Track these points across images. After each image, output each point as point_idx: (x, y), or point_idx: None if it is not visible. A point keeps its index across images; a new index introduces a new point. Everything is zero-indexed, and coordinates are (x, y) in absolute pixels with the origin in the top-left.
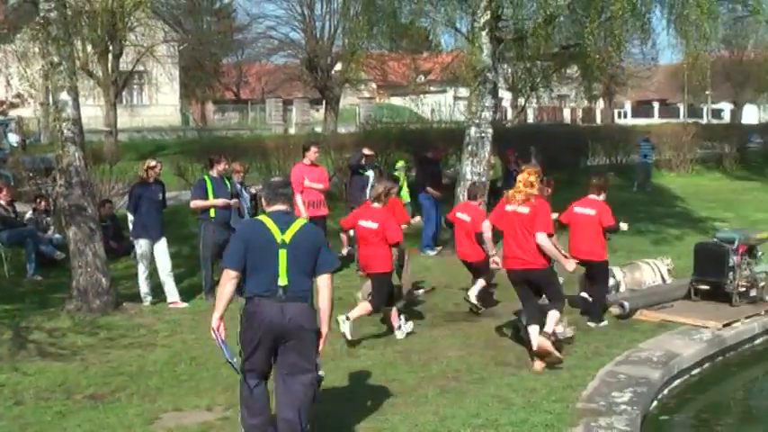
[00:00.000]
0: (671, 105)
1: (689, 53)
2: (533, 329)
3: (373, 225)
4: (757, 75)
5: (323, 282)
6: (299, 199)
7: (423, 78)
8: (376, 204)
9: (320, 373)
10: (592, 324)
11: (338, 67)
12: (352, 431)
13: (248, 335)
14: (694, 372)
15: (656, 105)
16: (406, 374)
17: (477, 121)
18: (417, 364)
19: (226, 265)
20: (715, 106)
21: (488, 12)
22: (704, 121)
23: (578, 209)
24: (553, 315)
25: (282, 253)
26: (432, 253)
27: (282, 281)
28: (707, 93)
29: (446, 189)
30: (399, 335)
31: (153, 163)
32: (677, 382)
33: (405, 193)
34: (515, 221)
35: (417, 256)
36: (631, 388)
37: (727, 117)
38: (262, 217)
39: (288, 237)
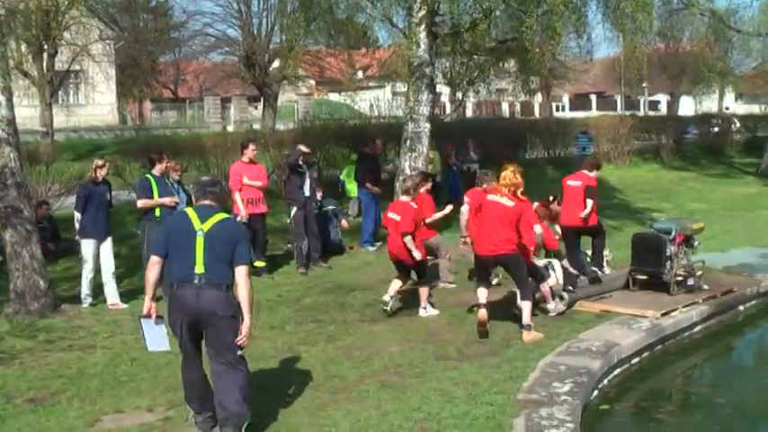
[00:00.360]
0: (608, 98)
1: (625, 46)
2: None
3: (396, 217)
4: (693, 67)
5: (239, 273)
6: (237, 197)
7: (361, 74)
8: (404, 197)
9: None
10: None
11: (276, 63)
12: (293, 428)
13: (172, 318)
14: (634, 361)
15: (593, 98)
16: (348, 370)
17: (415, 116)
18: (359, 359)
19: (151, 252)
20: (652, 98)
21: (425, 7)
22: (641, 113)
23: (570, 182)
24: (527, 306)
25: (200, 241)
26: (371, 249)
27: (199, 268)
28: (644, 85)
29: (385, 184)
30: (422, 313)
31: (101, 162)
32: (617, 371)
33: (353, 187)
34: (495, 211)
35: (357, 252)
36: (572, 378)
37: (663, 109)
38: (187, 209)
39: (206, 226)
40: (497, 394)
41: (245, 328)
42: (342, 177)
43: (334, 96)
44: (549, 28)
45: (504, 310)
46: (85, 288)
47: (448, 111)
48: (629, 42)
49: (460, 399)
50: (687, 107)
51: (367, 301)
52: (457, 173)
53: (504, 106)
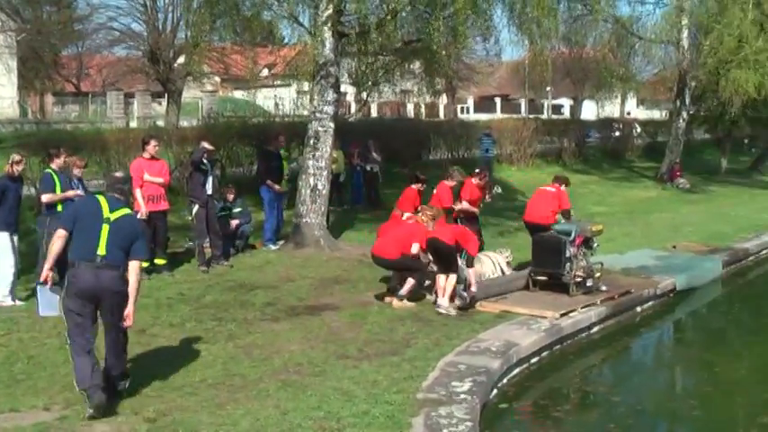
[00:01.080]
0: (512, 101)
1: (531, 50)
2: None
3: None
4: (596, 72)
5: (132, 267)
6: (138, 193)
7: (267, 72)
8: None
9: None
10: None
11: (181, 59)
12: (192, 427)
13: (70, 292)
14: (533, 360)
15: (497, 101)
16: (248, 369)
17: (319, 115)
18: (259, 358)
19: (58, 225)
20: (555, 102)
21: (331, 6)
22: (545, 116)
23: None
24: (410, 283)
25: (105, 228)
26: (273, 247)
27: (101, 251)
28: (547, 89)
29: (287, 183)
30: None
31: (18, 158)
32: (516, 370)
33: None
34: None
35: (260, 250)
36: (471, 377)
37: (566, 113)
38: (99, 196)
39: (114, 216)
40: (397, 393)
41: (129, 313)
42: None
43: (239, 94)
44: (454, 30)
45: (403, 311)
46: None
47: (353, 110)
48: (534, 47)
49: (360, 398)
50: (589, 111)
51: (268, 300)
52: (360, 173)
53: (409, 107)
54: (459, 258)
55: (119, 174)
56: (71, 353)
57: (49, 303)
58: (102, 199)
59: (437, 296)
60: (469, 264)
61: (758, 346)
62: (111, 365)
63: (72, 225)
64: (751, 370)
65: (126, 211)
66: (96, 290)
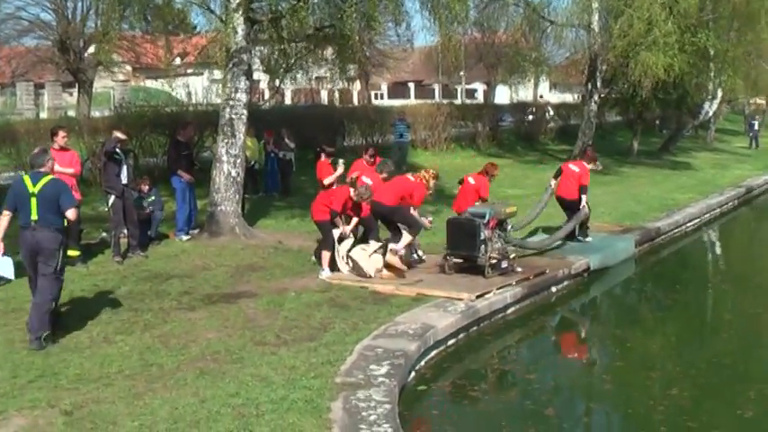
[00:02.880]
0: (426, 86)
1: (442, 35)
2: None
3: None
4: (508, 56)
5: (68, 215)
6: None
7: (178, 61)
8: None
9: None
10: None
11: (91, 49)
12: (110, 418)
13: (21, 250)
14: (450, 342)
15: (411, 86)
16: (165, 358)
17: (232, 103)
18: (176, 347)
19: (3, 207)
20: (469, 87)
21: None
22: (458, 101)
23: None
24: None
25: (33, 200)
26: (185, 237)
27: (34, 216)
28: (460, 74)
29: (200, 172)
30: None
31: None
32: (433, 352)
33: None
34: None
35: (173, 240)
36: (389, 360)
37: (480, 97)
38: (24, 176)
39: (36, 188)
40: (315, 378)
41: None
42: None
43: (151, 83)
44: (366, 16)
45: (320, 297)
46: None
47: (266, 98)
48: (446, 32)
49: (278, 384)
50: (503, 96)
51: (184, 289)
52: (275, 160)
53: (323, 94)
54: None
55: (35, 151)
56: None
57: (3, 268)
58: (26, 178)
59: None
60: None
61: (669, 322)
62: (38, 302)
63: (13, 205)
64: (662, 345)
65: (47, 178)
66: (33, 245)
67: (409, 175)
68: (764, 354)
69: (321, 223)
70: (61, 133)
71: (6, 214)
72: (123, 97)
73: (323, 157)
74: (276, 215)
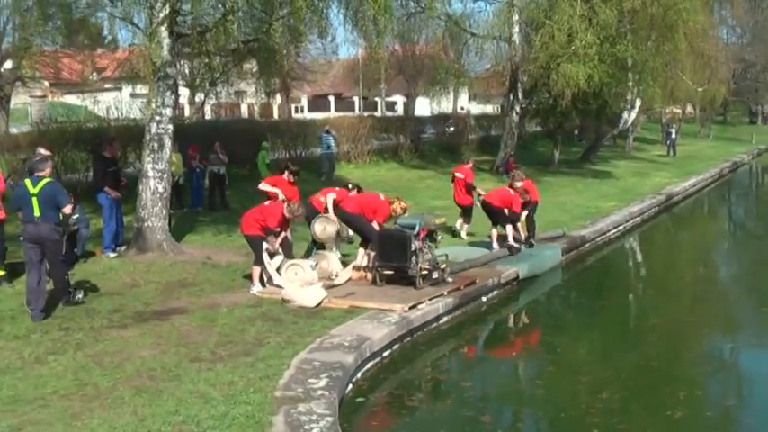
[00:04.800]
0: (346, 99)
1: (368, 48)
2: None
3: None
4: (429, 68)
5: (66, 210)
6: None
7: (95, 76)
8: None
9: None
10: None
11: (8, 64)
12: None
13: (24, 243)
14: (385, 353)
15: (332, 99)
16: (100, 377)
17: (158, 118)
18: (110, 366)
19: (12, 208)
20: (389, 99)
21: (167, 6)
22: (379, 113)
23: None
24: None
25: (34, 199)
26: (112, 254)
27: (36, 213)
28: (381, 86)
29: (126, 188)
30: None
31: None
32: (370, 364)
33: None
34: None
35: (100, 258)
36: (327, 373)
37: (400, 109)
38: (26, 180)
39: (36, 189)
40: (254, 393)
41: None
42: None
43: (70, 98)
44: (291, 29)
45: (252, 311)
46: None
47: (187, 113)
48: (371, 45)
49: (218, 400)
50: (423, 108)
51: (114, 307)
52: (200, 174)
53: (244, 108)
54: None
55: (36, 157)
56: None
57: None
58: (27, 181)
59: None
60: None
61: (597, 328)
62: (57, 282)
63: (17, 205)
64: (591, 350)
65: (45, 181)
66: (36, 237)
67: (381, 195)
68: (690, 356)
69: (252, 238)
70: None
71: (17, 212)
72: (42, 113)
73: (286, 174)
74: (202, 230)
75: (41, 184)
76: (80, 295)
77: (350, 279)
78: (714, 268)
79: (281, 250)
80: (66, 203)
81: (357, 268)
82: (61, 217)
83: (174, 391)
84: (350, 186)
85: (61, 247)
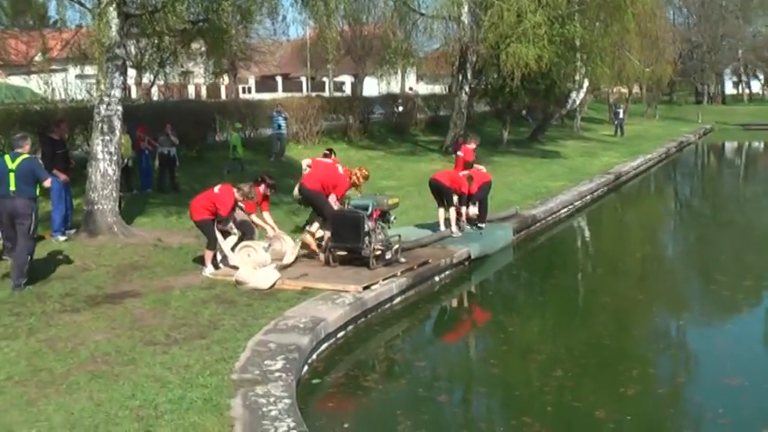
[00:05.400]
0: (294, 79)
1: (319, 28)
2: None
3: None
4: (377, 48)
5: (44, 183)
6: None
7: (40, 56)
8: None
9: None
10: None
11: None
12: (6, 427)
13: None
14: (340, 335)
15: (279, 80)
16: (54, 362)
17: (107, 99)
18: (64, 351)
19: None
20: (337, 79)
21: None
22: (327, 93)
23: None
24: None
25: (12, 174)
26: (62, 238)
27: (12, 187)
28: (330, 66)
29: (75, 170)
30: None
31: None
32: (324, 345)
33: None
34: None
35: (49, 241)
36: (283, 355)
37: (348, 90)
38: (5, 155)
39: (14, 165)
40: (211, 376)
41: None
42: (233, 143)
43: (15, 80)
44: (241, 9)
45: (206, 294)
46: None
47: (134, 94)
48: (321, 25)
49: (174, 383)
50: (372, 88)
51: (66, 291)
52: (149, 156)
53: (191, 89)
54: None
55: (17, 135)
56: None
57: None
58: (6, 156)
59: None
60: None
61: (549, 307)
62: (18, 258)
63: None
64: (543, 329)
65: (23, 157)
66: (11, 210)
67: (339, 167)
68: (641, 334)
69: (201, 222)
70: None
71: None
72: None
73: (263, 187)
74: (153, 213)
75: (19, 159)
76: (26, 283)
77: (298, 255)
78: (662, 247)
79: (235, 230)
80: (46, 177)
81: (304, 245)
82: (38, 192)
83: (129, 376)
84: (325, 152)
85: (31, 222)
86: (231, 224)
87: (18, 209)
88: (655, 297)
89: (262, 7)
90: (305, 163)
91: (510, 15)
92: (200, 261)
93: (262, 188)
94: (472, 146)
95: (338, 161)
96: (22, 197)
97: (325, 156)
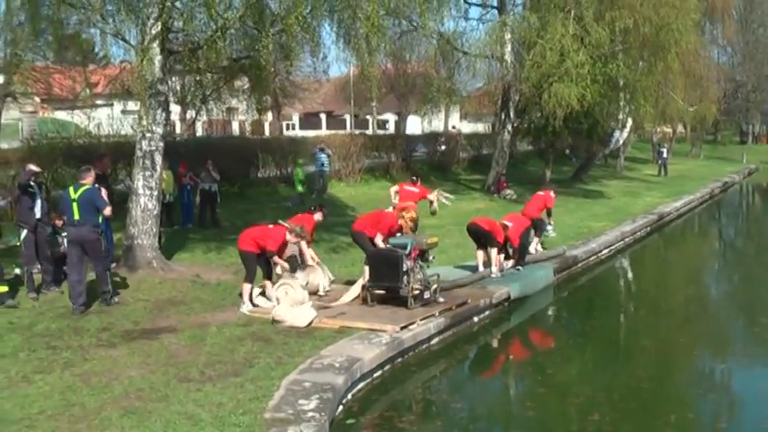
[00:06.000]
0: (338, 117)
1: (361, 67)
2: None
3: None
4: (420, 87)
5: (106, 212)
6: None
7: (87, 92)
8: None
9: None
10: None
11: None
12: None
13: (67, 242)
14: (376, 374)
15: (323, 117)
16: (88, 397)
17: (149, 135)
18: (98, 386)
19: (59, 211)
20: (380, 117)
21: (159, 23)
22: (370, 131)
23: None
24: None
25: (75, 204)
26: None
27: (76, 216)
28: (373, 104)
29: (116, 205)
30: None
31: None
32: (360, 385)
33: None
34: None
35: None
36: (317, 394)
37: (391, 127)
38: (70, 187)
39: (77, 195)
40: (244, 415)
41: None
42: (298, 177)
43: (61, 114)
44: (283, 47)
45: (242, 331)
46: None
47: (178, 130)
48: (363, 63)
49: (206, 421)
50: (414, 126)
51: (103, 325)
52: (191, 192)
53: (235, 125)
54: None
55: (82, 167)
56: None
57: None
58: (70, 188)
59: None
60: None
61: (588, 349)
62: (100, 281)
63: (63, 209)
64: (582, 371)
65: (85, 187)
66: (78, 238)
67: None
68: (681, 378)
69: (246, 253)
70: None
71: (61, 216)
72: (33, 129)
73: (318, 215)
74: (192, 248)
75: (81, 189)
76: (117, 298)
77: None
78: (705, 288)
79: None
80: (105, 206)
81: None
82: (100, 220)
83: (162, 413)
84: (413, 179)
85: (100, 245)
86: (281, 262)
87: (84, 235)
88: (697, 339)
89: (304, 45)
90: (392, 190)
91: (553, 55)
92: (240, 296)
93: (317, 216)
94: (552, 194)
95: (422, 187)
96: (87, 225)
97: (413, 183)
